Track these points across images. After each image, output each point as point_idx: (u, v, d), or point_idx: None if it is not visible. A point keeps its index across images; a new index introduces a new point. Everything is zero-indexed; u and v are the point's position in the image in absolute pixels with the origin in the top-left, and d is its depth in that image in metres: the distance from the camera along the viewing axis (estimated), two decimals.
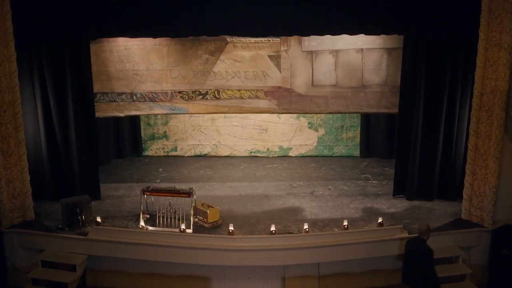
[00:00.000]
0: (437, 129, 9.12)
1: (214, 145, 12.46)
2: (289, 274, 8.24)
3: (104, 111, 10.13)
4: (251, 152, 12.43)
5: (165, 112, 10.44)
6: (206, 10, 8.44)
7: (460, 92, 8.95)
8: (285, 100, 10.19)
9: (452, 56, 8.79)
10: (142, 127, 12.41)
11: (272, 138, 12.39)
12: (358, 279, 8.40)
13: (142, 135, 12.47)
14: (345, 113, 10.68)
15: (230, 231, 8.11)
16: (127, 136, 12.35)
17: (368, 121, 12.08)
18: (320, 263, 8.21)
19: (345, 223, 8.30)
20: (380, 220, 8.41)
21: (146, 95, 10.17)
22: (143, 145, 12.54)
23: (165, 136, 12.49)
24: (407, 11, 8.55)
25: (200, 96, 10.23)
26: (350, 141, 12.39)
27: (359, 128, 12.23)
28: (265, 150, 12.41)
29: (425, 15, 8.54)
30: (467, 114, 8.84)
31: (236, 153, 12.44)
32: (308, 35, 9.11)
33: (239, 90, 10.21)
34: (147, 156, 12.52)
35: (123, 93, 10.12)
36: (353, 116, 12.20)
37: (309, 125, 12.31)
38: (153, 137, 12.52)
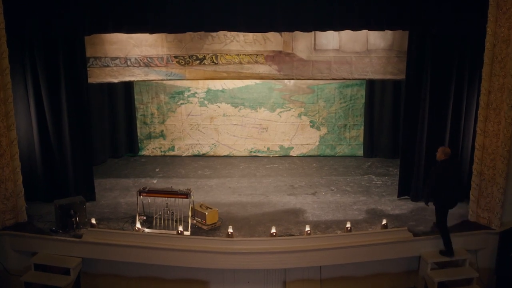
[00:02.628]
0: (443, 128, 9.12)
1: (212, 144, 12.47)
2: (290, 278, 8.25)
3: (97, 76, 9.91)
4: (251, 151, 12.44)
5: (160, 78, 10.17)
6: (205, 6, 8.44)
7: (466, 89, 8.95)
8: (286, 65, 9.96)
9: (458, 53, 8.79)
10: (138, 125, 12.43)
11: (272, 137, 12.41)
12: (361, 283, 8.41)
13: (138, 134, 12.49)
14: (349, 79, 10.40)
15: (229, 233, 8.11)
16: (123, 135, 12.37)
17: (372, 120, 12.10)
18: (322, 266, 8.22)
19: (348, 225, 8.30)
20: (384, 222, 8.42)
21: (140, 60, 9.94)
22: (139, 144, 12.56)
23: (162, 135, 12.51)
24: (412, 6, 8.54)
25: (198, 61, 9.98)
26: (353, 140, 12.41)
27: (362, 127, 12.25)
28: (266, 149, 12.42)
29: (431, 10, 8.53)
30: (474, 112, 8.85)
31: (235, 153, 12.46)
32: (310, 30, 9.09)
33: (238, 55, 9.98)
34: (143, 155, 12.53)
35: (116, 58, 9.89)
36: (356, 115, 12.23)
37: (311, 124, 12.33)
38: (149, 136, 12.54)
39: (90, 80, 9.48)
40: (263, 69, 10.00)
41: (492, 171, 8.30)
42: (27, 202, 8.77)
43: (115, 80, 10.11)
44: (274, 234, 8.11)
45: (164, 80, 10.65)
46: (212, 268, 8.08)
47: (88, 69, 9.40)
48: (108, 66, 9.92)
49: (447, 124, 9.11)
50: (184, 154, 12.52)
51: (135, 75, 10.05)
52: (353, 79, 10.49)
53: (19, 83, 8.81)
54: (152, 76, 10.10)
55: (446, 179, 7.96)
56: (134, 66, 9.97)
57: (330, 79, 10.45)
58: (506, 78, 7.94)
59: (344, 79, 10.30)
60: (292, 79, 10.43)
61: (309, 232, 8.16)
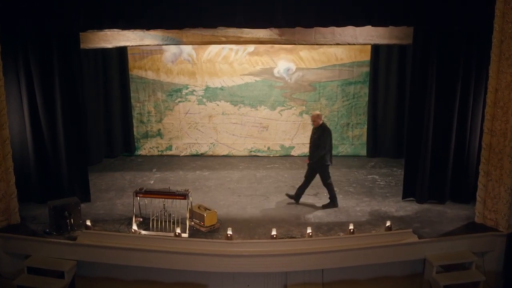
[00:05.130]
0: (449, 126, 9.13)
1: (211, 144, 12.48)
2: (291, 281, 8.25)
3: (90, 42, 9.72)
4: (250, 151, 12.45)
5: (156, 42, 9.94)
6: (203, 1, 8.44)
7: (473, 87, 8.96)
8: (288, 30, 9.53)
9: (465, 50, 8.80)
10: (134, 124, 12.45)
11: (273, 137, 12.42)
12: (364, 287, 8.41)
13: (135, 133, 12.51)
14: (354, 44, 10.12)
15: (229, 235, 8.11)
16: (119, 134, 12.39)
17: (375, 119, 12.11)
18: (324, 269, 8.21)
19: (351, 227, 8.30)
20: (388, 223, 8.41)
21: None
22: (136, 143, 12.57)
23: (159, 134, 12.52)
24: (417, 1, 8.55)
25: None
26: (356, 140, 12.42)
27: (365, 126, 12.26)
28: (266, 149, 12.43)
29: (436, 6, 8.53)
30: (481, 111, 8.85)
31: (234, 153, 12.46)
32: (311, 26, 9.08)
33: None
34: (140, 155, 12.55)
35: None
36: (359, 113, 12.24)
37: None
38: (146, 135, 12.55)
39: (82, 46, 9.30)
40: (263, 33, 9.69)
41: (499, 171, 8.29)
42: (20, 203, 8.76)
43: (109, 45, 9.92)
44: (274, 236, 8.11)
45: (160, 45, 10.36)
46: (210, 271, 8.07)
47: (80, 33, 9.16)
48: (101, 30, 9.66)
49: (453, 123, 9.11)
50: (182, 154, 12.53)
51: (130, 40, 9.81)
52: (357, 44, 10.27)
53: (11, 80, 8.81)
54: (147, 41, 9.86)
55: (331, 139, 9.30)
56: (129, 30, 9.69)
57: (334, 44, 10.14)
58: None
59: (348, 43, 9.98)
60: (294, 43, 10.12)
61: (310, 234, 8.16)
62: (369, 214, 9.11)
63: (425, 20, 8.68)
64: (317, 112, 9.81)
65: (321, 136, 9.23)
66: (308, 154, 9.58)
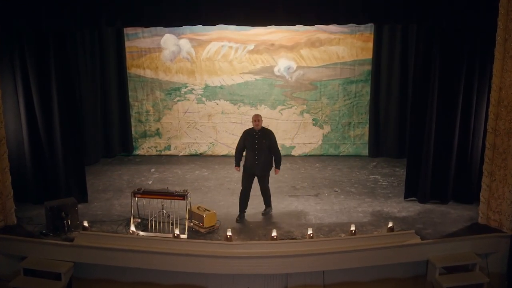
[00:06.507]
0: (452, 126, 9.12)
1: (210, 143, 12.48)
2: (292, 283, 8.25)
3: None
4: None
5: None
6: None
7: (477, 86, 8.95)
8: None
9: (468, 48, 8.79)
10: (132, 123, 12.44)
11: None
12: None
13: (133, 132, 12.49)
14: (357, 24, 10.05)
15: (228, 236, 8.11)
16: (116, 134, 12.37)
17: (377, 118, 12.10)
18: (325, 271, 8.21)
19: (353, 228, 8.30)
20: (390, 224, 8.41)
21: None
22: (134, 143, 12.56)
23: (157, 133, 12.51)
24: None
25: None
26: (358, 139, 12.41)
27: (367, 125, 12.25)
28: None
29: (439, 4, 8.53)
30: (485, 110, 8.85)
31: (234, 152, 12.43)
32: (312, 24, 9.09)
33: None
34: (138, 155, 12.54)
35: None
36: (361, 112, 12.23)
37: (314, 122, 12.33)
38: (144, 135, 12.54)
39: None
40: None
41: (503, 171, 8.30)
42: (16, 204, 8.77)
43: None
44: (275, 237, 8.11)
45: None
46: (210, 273, 8.08)
47: None
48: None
49: (456, 122, 9.11)
50: (181, 154, 12.52)
51: None
52: (360, 24, 10.10)
53: (7, 79, 8.81)
54: None
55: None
56: None
57: (337, 25, 10.02)
58: None
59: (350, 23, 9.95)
60: (294, 25, 9.94)
61: (311, 235, 8.16)
62: (371, 214, 9.11)
63: (427, 18, 8.68)
64: (259, 113, 9.46)
65: (269, 139, 8.78)
66: (255, 161, 8.85)
